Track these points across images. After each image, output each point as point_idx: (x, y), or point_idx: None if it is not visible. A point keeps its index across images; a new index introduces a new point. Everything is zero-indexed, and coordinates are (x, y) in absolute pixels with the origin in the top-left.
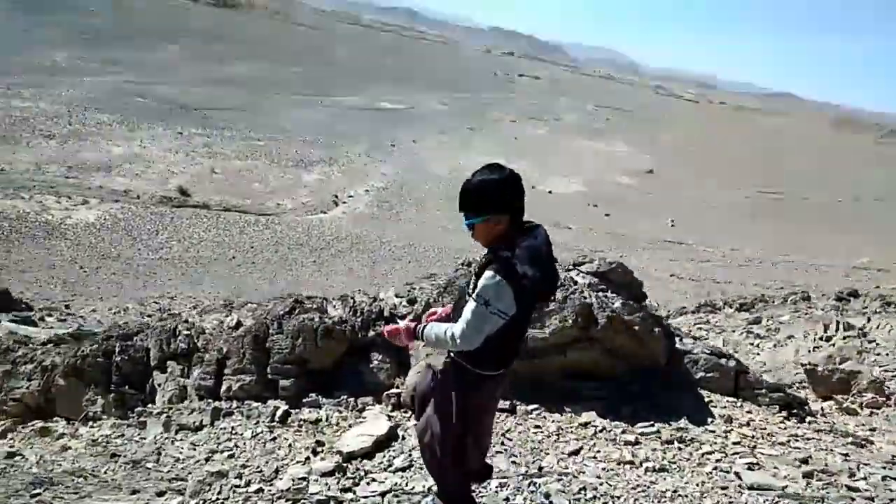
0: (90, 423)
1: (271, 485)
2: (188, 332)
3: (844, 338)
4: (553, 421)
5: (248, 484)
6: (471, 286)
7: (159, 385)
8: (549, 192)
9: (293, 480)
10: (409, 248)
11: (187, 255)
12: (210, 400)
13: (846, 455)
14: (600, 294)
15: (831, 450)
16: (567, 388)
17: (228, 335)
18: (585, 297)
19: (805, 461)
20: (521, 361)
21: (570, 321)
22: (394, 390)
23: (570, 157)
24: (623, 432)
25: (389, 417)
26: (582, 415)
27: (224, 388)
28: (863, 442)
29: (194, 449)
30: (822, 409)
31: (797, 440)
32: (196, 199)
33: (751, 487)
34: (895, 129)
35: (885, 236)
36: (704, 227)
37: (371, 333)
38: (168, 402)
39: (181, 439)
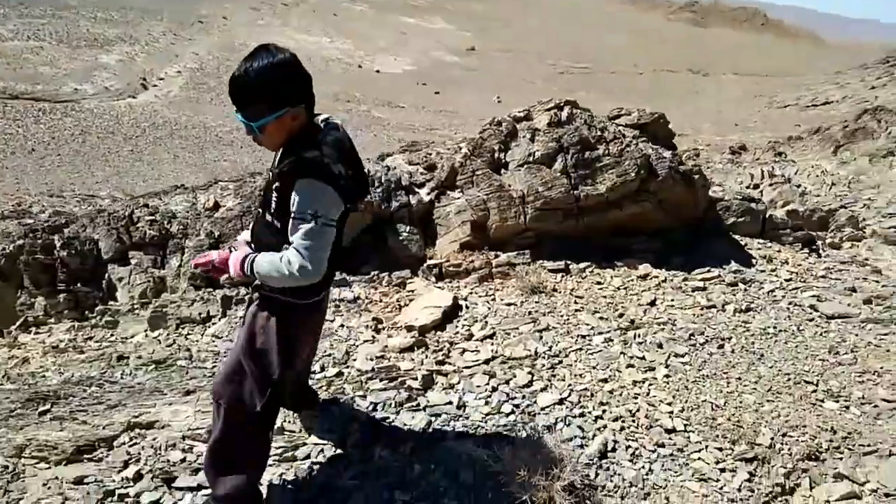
0: (33, 328)
1: (349, 367)
2: (152, 218)
3: (772, 184)
4: (612, 276)
5: (323, 369)
6: (273, 203)
7: (120, 279)
8: (377, 70)
9: (372, 359)
10: (237, 132)
11: None
12: (209, 289)
13: (877, 280)
14: (649, 145)
15: (864, 277)
16: (614, 244)
17: (215, 217)
18: (642, 150)
19: (852, 290)
20: (570, 220)
21: (633, 174)
22: (431, 261)
23: (394, 36)
24: (685, 280)
25: (441, 289)
26: (638, 267)
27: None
28: (876, 268)
29: (216, 341)
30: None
31: (832, 272)
32: None
33: (832, 317)
34: (682, 5)
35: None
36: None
37: (395, 204)
38: (140, 296)
39: (196, 333)
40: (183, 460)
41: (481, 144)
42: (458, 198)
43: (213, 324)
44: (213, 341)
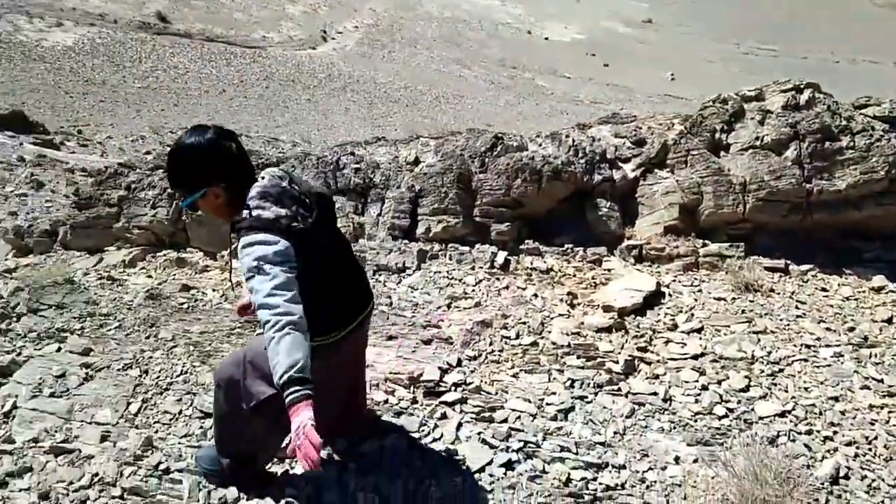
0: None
1: (544, 338)
2: (357, 166)
3: None
4: (839, 284)
5: (518, 336)
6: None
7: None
8: (546, 38)
9: (568, 334)
10: (404, 90)
11: (175, 85)
12: (405, 241)
13: None
14: None
15: None
16: (841, 247)
17: (416, 172)
18: (895, 146)
19: None
20: (796, 215)
21: (882, 172)
22: (630, 241)
23: (566, 2)
24: None
25: (641, 272)
26: (872, 279)
27: (421, 229)
28: None
29: (413, 292)
30: None
31: None
32: (176, 27)
33: None
34: None
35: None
36: (703, 81)
37: (597, 178)
38: None
39: (391, 281)
40: (386, 401)
41: (700, 123)
42: (668, 177)
43: (409, 275)
44: (410, 292)
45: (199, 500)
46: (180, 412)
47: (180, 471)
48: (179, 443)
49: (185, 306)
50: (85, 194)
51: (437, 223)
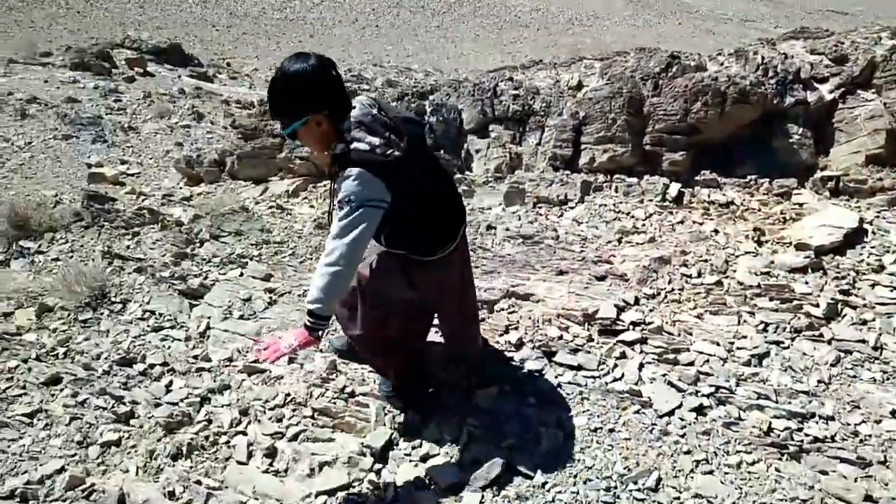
0: None
1: (728, 277)
2: (515, 93)
3: None
4: None
5: (699, 274)
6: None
7: (477, 151)
8: None
9: (757, 274)
10: (535, 13)
11: (311, 15)
12: (567, 172)
13: None
14: None
15: None
16: None
17: (580, 97)
18: None
19: None
20: None
21: None
22: (825, 172)
23: None
24: None
25: (838, 206)
26: None
27: (584, 159)
28: None
29: (578, 226)
30: None
31: None
32: None
33: None
34: None
35: None
36: None
37: (789, 100)
38: (494, 170)
39: (553, 214)
40: (560, 338)
41: None
42: (873, 100)
43: (571, 208)
44: (576, 225)
45: (384, 424)
46: None
47: (364, 394)
48: (361, 367)
49: None
50: (250, 125)
51: (603, 153)
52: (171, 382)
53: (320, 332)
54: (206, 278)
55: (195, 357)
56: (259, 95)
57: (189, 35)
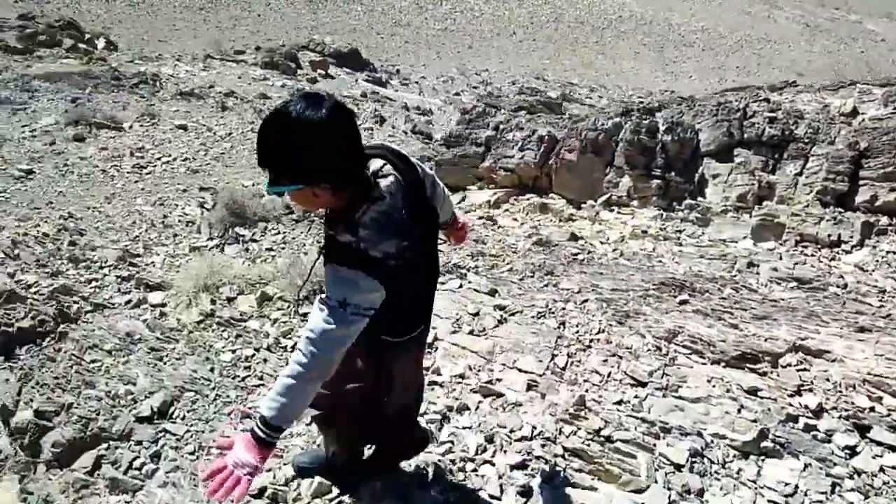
0: (615, 207)
1: None
2: (772, 115)
3: None
4: None
5: None
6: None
7: (715, 176)
8: None
9: None
10: (701, 33)
11: (470, 27)
12: (839, 210)
13: None
14: None
15: None
16: None
17: (858, 126)
18: None
19: None
20: None
21: None
22: None
23: None
24: None
25: None
26: None
27: (864, 196)
28: None
29: (869, 274)
30: None
31: None
32: None
33: None
34: None
35: None
36: None
37: None
38: (737, 199)
39: (824, 255)
40: (872, 409)
41: None
42: None
43: (847, 251)
44: (863, 273)
45: (656, 480)
46: (609, 375)
47: (625, 441)
48: (617, 409)
49: (581, 258)
50: (454, 132)
51: (889, 191)
52: None
53: (275, 443)
54: None
55: (426, 369)
56: (432, 103)
57: (356, 41)
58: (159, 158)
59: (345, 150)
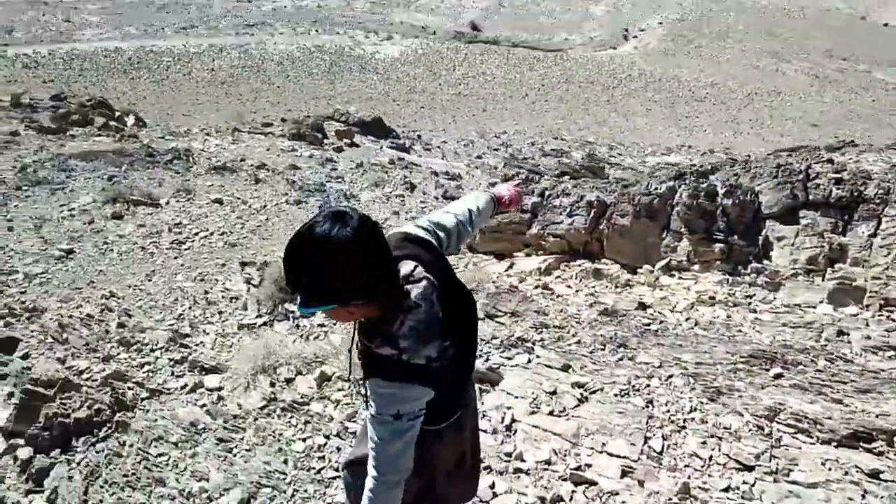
0: (675, 272)
1: None
2: (837, 175)
3: None
4: None
5: None
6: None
7: (780, 239)
8: (885, 24)
9: None
10: (711, 88)
11: (483, 91)
12: None
13: None
14: None
15: None
16: None
17: None
18: None
19: None
20: None
21: None
22: None
23: None
24: None
25: None
26: None
27: None
28: None
29: None
30: None
31: None
32: (486, 34)
33: None
34: None
35: None
36: None
37: None
38: (807, 261)
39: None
40: None
41: None
42: None
43: None
44: None
45: None
46: (710, 458)
47: None
48: (727, 497)
49: (653, 328)
50: None
51: None
52: (493, 484)
53: None
54: (487, 360)
55: (507, 454)
56: (457, 167)
57: (374, 109)
58: (197, 233)
59: (374, 266)
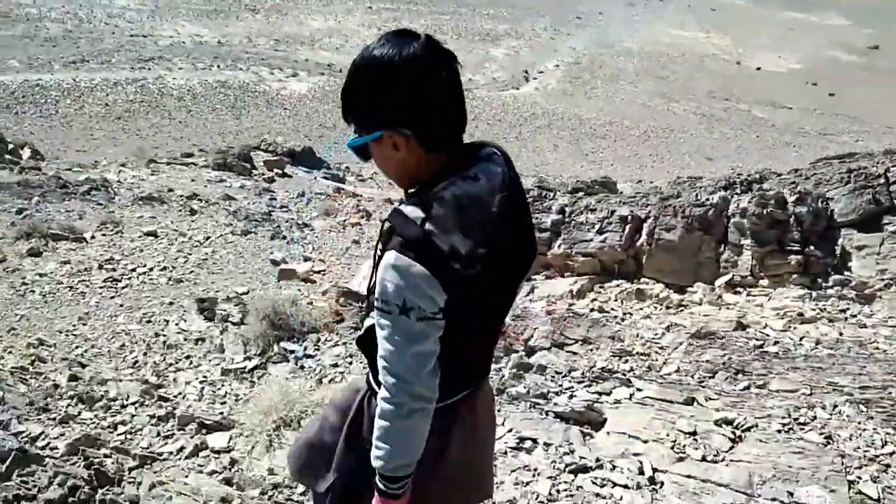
0: (739, 288)
1: None
2: None
3: None
4: None
5: None
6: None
7: (861, 248)
8: (758, 68)
9: None
10: (610, 126)
11: None
12: None
13: None
14: None
15: None
16: None
17: None
18: None
19: None
20: None
21: None
22: None
23: (778, 32)
24: None
25: None
26: None
27: None
28: None
29: None
30: None
31: None
32: None
33: None
34: None
35: None
36: None
37: None
38: None
39: None
40: None
41: None
42: None
43: None
44: None
45: None
46: None
47: None
48: None
49: (771, 350)
50: None
51: None
52: None
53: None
54: (572, 397)
55: None
56: (397, 199)
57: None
58: (134, 269)
59: (433, 91)
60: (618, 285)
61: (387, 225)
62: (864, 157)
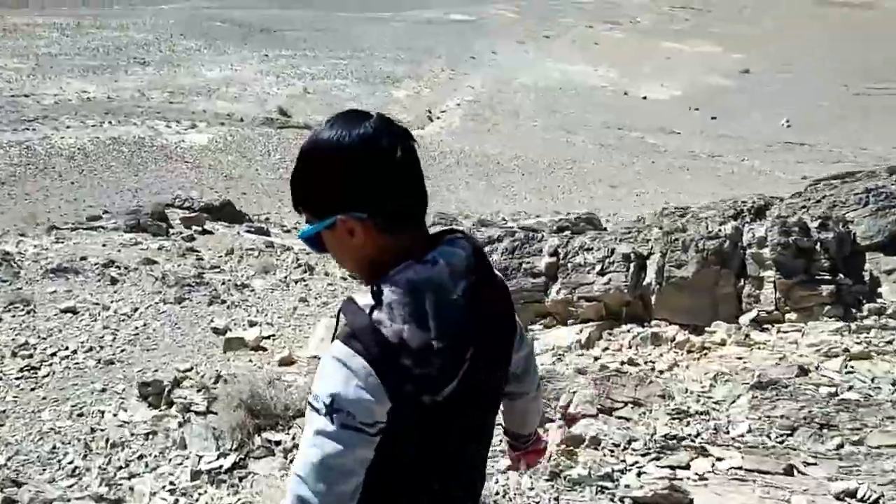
0: (766, 325)
1: None
2: None
3: None
4: None
5: None
6: None
7: (889, 272)
8: (644, 97)
9: None
10: (517, 160)
11: None
12: None
13: None
14: None
15: None
16: None
17: None
18: None
19: None
20: None
21: None
22: None
23: (658, 62)
24: None
25: None
26: None
27: None
28: None
29: None
30: None
31: None
32: (297, 119)
33: None
34: None
35: None
36: (820, 126)
37: None
38: None
39: None
40: None
41: None
42: None
43: None
44: None
45: None
46: None
47: None
48: None
49: (849, 397)
50: (499, 264)
51: None
52: None
53: None
54: (640, 474)
55: None
56: (510, 228)
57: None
58: (54, 354)
59: (387, 171)
60: (628, 330)
61: (341, 316)
62: (867, 175)
